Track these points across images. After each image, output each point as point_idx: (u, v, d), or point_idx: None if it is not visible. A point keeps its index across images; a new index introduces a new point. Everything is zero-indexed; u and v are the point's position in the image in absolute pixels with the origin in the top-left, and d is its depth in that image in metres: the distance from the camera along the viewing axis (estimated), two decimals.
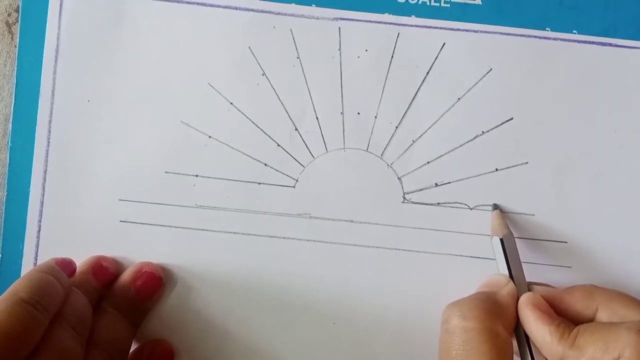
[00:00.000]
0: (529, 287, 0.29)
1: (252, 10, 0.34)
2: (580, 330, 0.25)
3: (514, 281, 0.29)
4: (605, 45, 0.33)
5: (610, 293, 0.28)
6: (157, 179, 0.33)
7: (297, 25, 0.33)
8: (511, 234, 0.31)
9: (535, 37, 0.33)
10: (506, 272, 0.30)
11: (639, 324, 0.24)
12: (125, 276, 0.32)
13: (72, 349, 0.27)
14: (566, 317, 0.27)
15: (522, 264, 0.30)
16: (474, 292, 0.30)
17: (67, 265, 0.31)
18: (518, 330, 0.28)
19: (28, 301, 0.26)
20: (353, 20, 0.33)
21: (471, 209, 0.33)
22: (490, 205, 0.33)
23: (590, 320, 0.27)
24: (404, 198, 0.33)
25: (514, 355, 0.27)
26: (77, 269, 0.32)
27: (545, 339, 0.26)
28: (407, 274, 0.33)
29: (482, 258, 0.33)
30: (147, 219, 0.33)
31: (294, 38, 0.33)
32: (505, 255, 0.30)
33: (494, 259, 0.31)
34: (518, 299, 0.28)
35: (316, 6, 0.33)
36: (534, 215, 0.33)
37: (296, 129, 0.33)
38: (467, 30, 0.33)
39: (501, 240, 0.30)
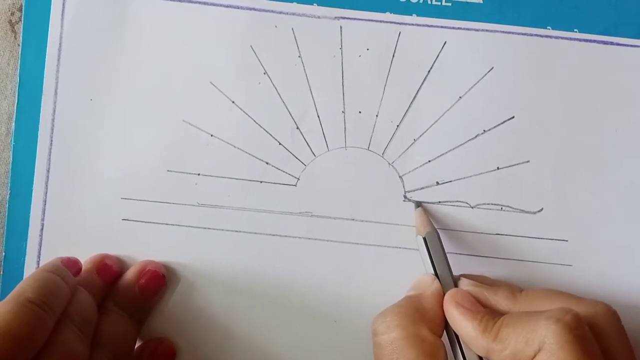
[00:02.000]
0: (458, 281, 0.29)
1: (254, 9, 0.34)
2: (504, 323, 0.25)
3: (439, 279, 0.29)
4: (607, 44, 0.33)
5: (533, 293, 0.27)
6: (159, 177, 0.33)
7: (299, 24, 0.34)
8: (435, 231, 0.30)
9: (537, 35, 0.33)
10: (432, 270, 0.30)
11: (557, 312, 0.24)
12: (129, 275, 0.32)
13: (77, 349, 0.28)
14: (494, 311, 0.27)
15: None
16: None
17: (72, 265, 0.31)
18: (448, 329, 0.28)
19: (35, 302, 0.26)
20: (354, 19, 0.34)
21: (472, 207, 0.33)
22: (492, 204, 0.33)
23: None
24: (405, 197, 0.33)
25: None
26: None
27: (470, 335, 0.26)
28: (408, 273, 0.33)
29: (483, 256, 0.33)
30: (150, 217, 0.33)
31: (295, 37, 0.34)
32: (429, 253, 0.30)
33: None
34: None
35: (318, 5, 0.34)
36: (534, 213, 0.33)
37: (298, 128, 0.34)
38: (468, 29, 0.33)
39: (424, 238, 0.30)
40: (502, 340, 0.25)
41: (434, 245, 0.30)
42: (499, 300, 0.27)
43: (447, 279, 0.29)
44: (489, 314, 0.26)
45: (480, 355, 0.26)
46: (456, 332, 0.27)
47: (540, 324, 0.23)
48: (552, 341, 0.23)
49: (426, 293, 0.28)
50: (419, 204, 0.32)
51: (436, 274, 0.29)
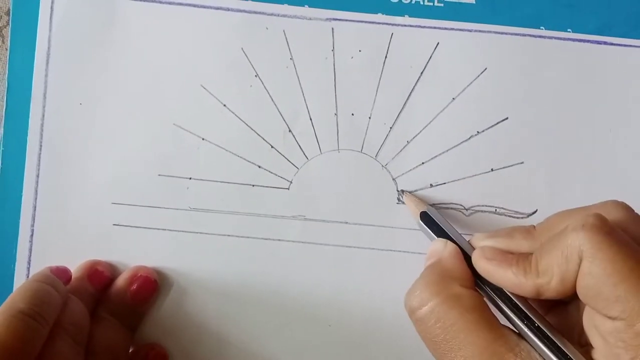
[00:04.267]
0: (469, 241, 0.29)
1: (245, 11, 0.33)
2: (538, 256, 0.25)
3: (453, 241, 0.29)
4: (600, 43, 0.33)
5: (546, 222, 0.27)
6: (150, 182, 0.33)
7: (290, 26, 0.33)
8: (429, 205, 0.31)
9: (530, 35, 0.33)
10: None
11: (579, 220, 0.23)
12: (121, 281, 0.32)
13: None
14: None
15: None
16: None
17: (62, 273, 0.31)
18: (481, 288, 0.27)
19: (27, 312, 0.26)
20: (346, 20, 0.33)
21: (466, 209, 0.33)
22: (487, 206, 0.33)
23: None
24: (399, 199, 0.33)
25: None
26: (72, 275, 0.32)
27: (513, 282, 0.25)
28: (402, 275, 0.33)
29: None
30: (141, 222, 0.33)
31: (286, 39, 0.33)
32: (436, 224, 0.30)
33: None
34: (463, 254, 0.28)
35: (309, 7, 0.33)
36: (529, 215, 0.33)
37: (290, 131, 0.33)
38: (461, 30, 0.33)
39: (425, 214, 0.30)
40: (545, 272, 0.24)
41: (436, 216, 0.30)
42: (519, 243, 0.27)
43: (461, 242, 0.29)
44: (521, 257, 0.26)
45: (529, 296, 0.25)
46: (499, 285, 0.27)
47: (570, 237, 0.23)
48: (588, 246, 0.22)
49: (444, 255, 0.28)
50: (402, 191, 0.32)
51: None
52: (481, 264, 0.27)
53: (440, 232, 0.30)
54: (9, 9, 0.33)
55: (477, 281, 0.27)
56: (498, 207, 0.33)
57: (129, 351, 0.32)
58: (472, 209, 0.33)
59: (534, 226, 0.27)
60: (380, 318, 0.33)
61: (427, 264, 0.29)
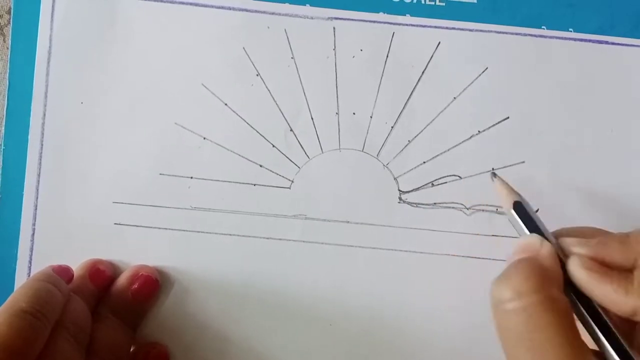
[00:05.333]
0: (560, 244, 0.27)
1: (246, 10, 0.33)
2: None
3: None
4: (602, 43, 0.33)
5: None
6: (152, 181, 0.33)
7: (292, 25, 0.33)
8: (522, 196, 0.29)
9: (531, 35, 0.33)
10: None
11: None
12: (122, 280, 0.32)
13: (73, 359, 0.27)
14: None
15: None
16: (510, 264, 0.26)
17: (64, 272, 0.31)
18: (568, 294, 0.26)
19: (29, 311, 0.26)
20: (348, 19, 0.33)
21: (468, 208, 0.33)
22: (488, 205, 0.33)
23: (632, 266, 0.25)
24: (400, 198, 0.33)
25: None
26: (74, 274, 0.32)
27: (611, 297, 0.24)
28: (403, 275, 0.33)
29: (479, 258, 0.33)
30: (142, 221, 0.33)
31: (288, 38, 0.33)
32: (529, 218, 0.28)
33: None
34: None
35: (310, 6, 0.33)
36: None
37: (291, 130, 0.33)
38: (462, 29, 0.33)
39: (519, 204, 0.28)
40: None
41: (529, 209, 0.28)
42: (613, 253, 0.26)
43: (551, 239, 0.27)
44: (622, 274, 0.25)
45: (623, 315, 0.24)
46: (594, 298, 0.25)
47: None
48: None
49: (542, 254, 0.26)
50: (494, 174, 0.30)
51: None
52: (580, 274, 0.26)
53: (532, 227, 0.28)
54: (10, 8, 0.33)
55: (566, 287, 0.26)
56: (499, 207, 0.33)
57: (130, 350, 0.32)
58: (474, 208, 0.33)
59: (627, 235, 0.26)
60: (381, 317, 0.33)
61: (519, 257, 0.27)
